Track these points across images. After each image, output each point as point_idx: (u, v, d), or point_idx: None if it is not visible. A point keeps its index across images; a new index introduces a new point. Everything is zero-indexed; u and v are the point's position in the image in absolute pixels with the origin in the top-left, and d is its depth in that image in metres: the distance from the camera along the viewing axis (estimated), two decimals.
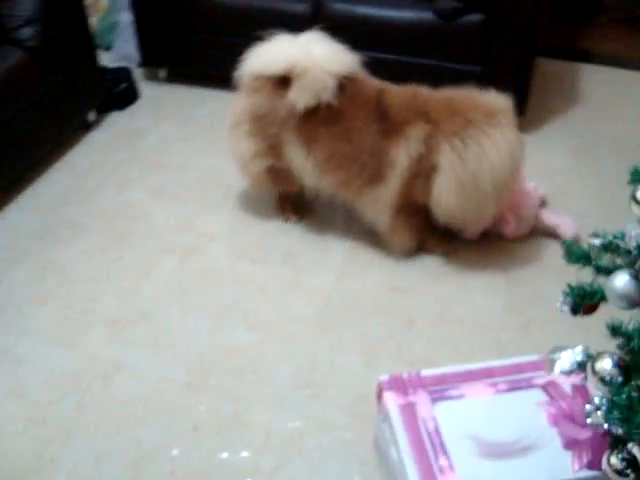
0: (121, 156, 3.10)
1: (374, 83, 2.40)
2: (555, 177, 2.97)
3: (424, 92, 2.34)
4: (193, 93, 3.56)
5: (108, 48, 3.91)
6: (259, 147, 2.44)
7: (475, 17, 2.93)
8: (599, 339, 1.32)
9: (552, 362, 1.26)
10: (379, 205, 2.37)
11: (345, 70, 2.31)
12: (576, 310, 1.22)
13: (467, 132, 2.21)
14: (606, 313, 1.34)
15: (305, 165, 2.38)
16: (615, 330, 1.21)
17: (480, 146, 2.20)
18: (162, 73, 3.64)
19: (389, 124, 2.27)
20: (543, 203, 2.78)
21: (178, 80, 3.65)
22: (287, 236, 2.64)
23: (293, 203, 2.68)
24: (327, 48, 2.32)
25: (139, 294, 2.40)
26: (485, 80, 2.99)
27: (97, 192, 2.89)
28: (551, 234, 2.61)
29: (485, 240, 2.59)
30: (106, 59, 3.79)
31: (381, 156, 2.28)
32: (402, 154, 2.26)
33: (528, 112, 3.15)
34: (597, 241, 1.35)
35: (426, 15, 2.98)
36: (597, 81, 3.70)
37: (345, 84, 2.30)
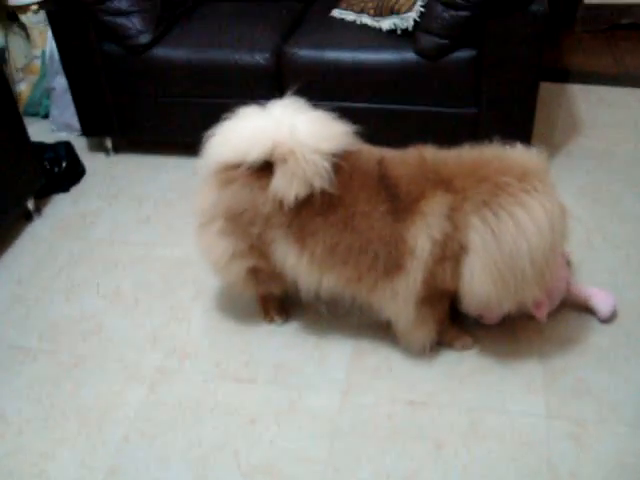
0: (68, 252, 2.65)
1: (372, 153, 1.96)
2: (574, 228, 2.56)
3: (433, 154, 1.91)
4: (147, 163, 3.12)
5: (46, 116, 3.46)
6: (238, 248, 2.00)
7: (464, 53, 2.53)
8: None
9: None
10: (399, 299, 1.92)
11: (338, 146, 1.88)
12: None
13: (498, 201, 1.78)
14: None
15: (300, 264, 1.95)
16: None
17: (515, 218, 1.76)
18: (109, 142, 3.18)
19: (400, 201, 1.84)
20: (568, 264, 2.39)
21: (128, 149, 3.21)
22: (275, 343, 2.20)
23: (278, 301, 2.24)
24: (313, 121, 1.89)
25: (103, 443, 1.95)
26: (482, 124, 2.64)
27: (41, 303, 2.42)
28: (583, 307, 2.22)
29: (509, 323, 2.18)
30: (45, 129, 3.35)
31: (396, 242, 1.85)
32: (422, 236, 1.82)
33: None
34: None
35: (408, 56, 2.57)
36: (591, 103, 3.35)
37: (339, 162, 1.87)
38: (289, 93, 1.98)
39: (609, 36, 3.89)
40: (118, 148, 3.22)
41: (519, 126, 2.60)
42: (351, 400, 2.01)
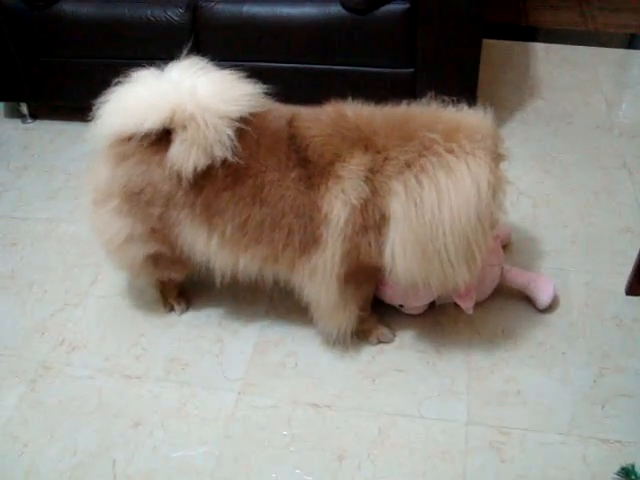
0: None
1: (282, 112, 1.70)
2: (520, 202, 2.33)
3: (353, 110, 1.66)
4: (66, 131, 2.86)
5: None
6: (136, 231, 1.76)
7: (396, 6, 2.27)
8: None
9: None
10: (318, 277, 1.68)
11: (244, 109, 1.64)
12: None
13: (421, 163, 1.53)
14: None
15: (210, 248, 1.72)
16: None
17: (437, 183, 1.52)
18: (24, 108, 2.91)
19: (313, 165, 1.60)
20: (507, 244, 2.15)
21: (49, 115, 2.94)
22: (173, 334, 1.97)
23: (177, 288, 2.01)
24: (216, 83, 1.66)
25: None
26: (419, 85, 2.38)
27: None
28: (521, 295, 1.98)
29: (433, 314, 1.95)
30: None
31: (311, 213, 1.61)
32: (337, 203, 1.58)
33: None
34: None
35: (334, 9, 2.30)
36: (553, 64, 3.07)
37: (244, 127, 1.63)
38: (186, 52, 1.74)
39: None
40: (38, 114, 2.96)
41: (461, 87, 2.33)
42: (247, 401, 1.78)
